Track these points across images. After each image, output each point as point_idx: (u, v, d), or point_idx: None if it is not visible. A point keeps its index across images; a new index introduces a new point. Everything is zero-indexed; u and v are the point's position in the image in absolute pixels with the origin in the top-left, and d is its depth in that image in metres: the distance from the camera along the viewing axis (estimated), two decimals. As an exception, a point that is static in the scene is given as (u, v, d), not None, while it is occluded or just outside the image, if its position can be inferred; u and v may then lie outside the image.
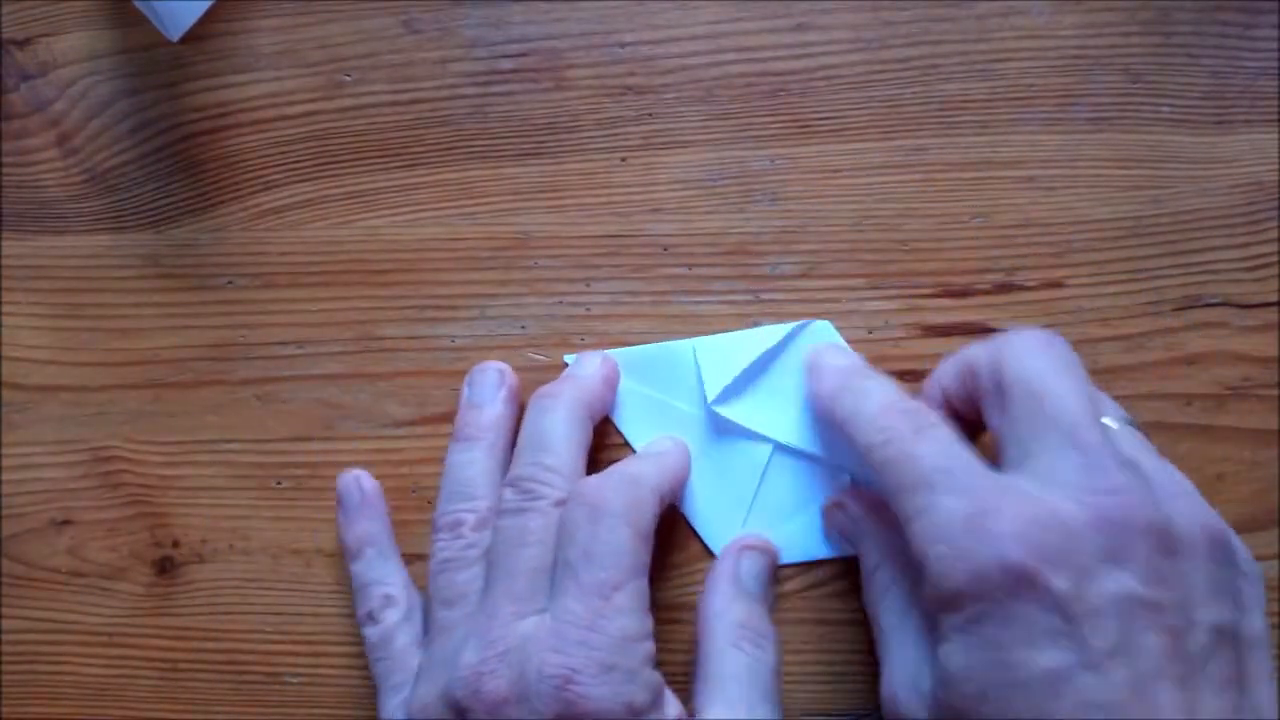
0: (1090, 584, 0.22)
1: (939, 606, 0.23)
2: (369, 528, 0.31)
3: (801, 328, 0.32)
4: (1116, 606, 0.22)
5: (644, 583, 0.27)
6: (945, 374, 0.28)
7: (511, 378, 0.32)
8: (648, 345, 0.32)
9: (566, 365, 0.32)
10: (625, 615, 0.26)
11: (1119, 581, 0.22)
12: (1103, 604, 0.22)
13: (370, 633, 0.30)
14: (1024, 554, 0.22)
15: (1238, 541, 0.24)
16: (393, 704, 0.29)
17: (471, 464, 0.30)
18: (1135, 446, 0.25)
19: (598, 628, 0.25)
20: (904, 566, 0.27)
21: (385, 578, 0.31)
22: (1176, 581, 0.22)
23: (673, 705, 0.27)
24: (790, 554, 0.31)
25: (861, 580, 0.29)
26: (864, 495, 0.29)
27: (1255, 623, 0.23)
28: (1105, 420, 0.25)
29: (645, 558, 0.27)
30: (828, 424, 0.29)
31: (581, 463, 0.29)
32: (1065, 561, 0.22)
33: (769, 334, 0.31)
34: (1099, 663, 0.21)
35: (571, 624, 0.25)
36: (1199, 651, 0.22)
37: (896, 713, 0.25)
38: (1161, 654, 0.21)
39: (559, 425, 0.29)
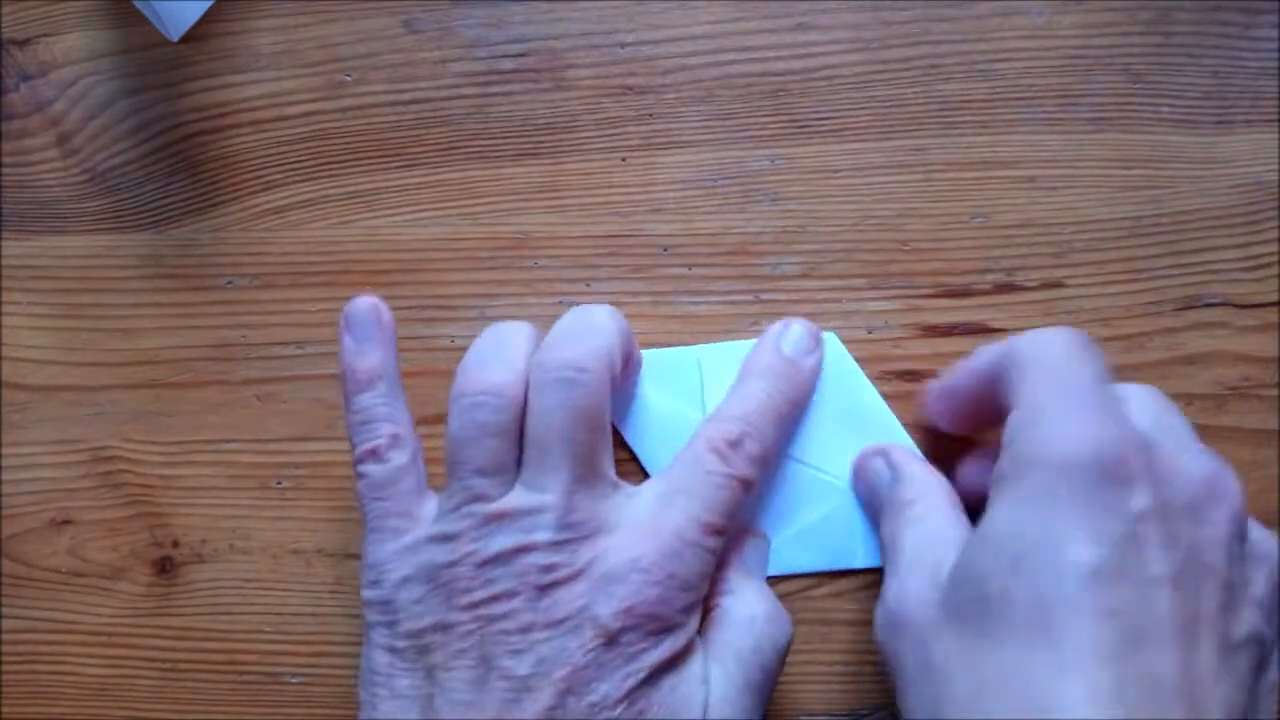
0: (1164, 518, 0.23)
1: (1023, 468, 0.24)
2: (385, 359, 0.29)
3: None
4: (1183, 555, 0.22)
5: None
6: (960, 377, 0.29)
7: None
8: (653, 349, 0.32)
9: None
10: (710, 555, 0.27)
11: (1200, 532, 0.23)
12: (1167, 541, 0.22)
13: (373, 470, 0.28)
14: (1136, 459, 0.23)
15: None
16: (391, 549, 0.27)
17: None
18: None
19: (691, 548, 0.26)
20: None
21: (394, 416, 0.29)
22: (1235, 556, 0.23)
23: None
24: (781, 564, 0.31)
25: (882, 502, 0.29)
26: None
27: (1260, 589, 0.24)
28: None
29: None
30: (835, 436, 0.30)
31: (617, 349, 0.29)
32: (1152, 487, 0.23)
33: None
34: (1146, 587, 0.22)
35: (673, 533, 0.26)
36: (1240, 634, 0.23)
37: (902, 609, 0.25)
38: (1213, 611, 0.22)
39: (599, 321, 0.28)
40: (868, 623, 0.29)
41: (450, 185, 0.33)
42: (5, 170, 0.35)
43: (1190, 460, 0.24)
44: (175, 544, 0.34)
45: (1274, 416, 0.31)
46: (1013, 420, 0.25)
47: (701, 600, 0.27)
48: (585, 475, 0.27)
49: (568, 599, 0.25)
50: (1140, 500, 0.23)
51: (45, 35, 0.35)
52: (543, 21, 0.33)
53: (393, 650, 0.27)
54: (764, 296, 0.32)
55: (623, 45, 0.33)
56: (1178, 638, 0.22)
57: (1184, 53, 0.32)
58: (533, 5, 0.33)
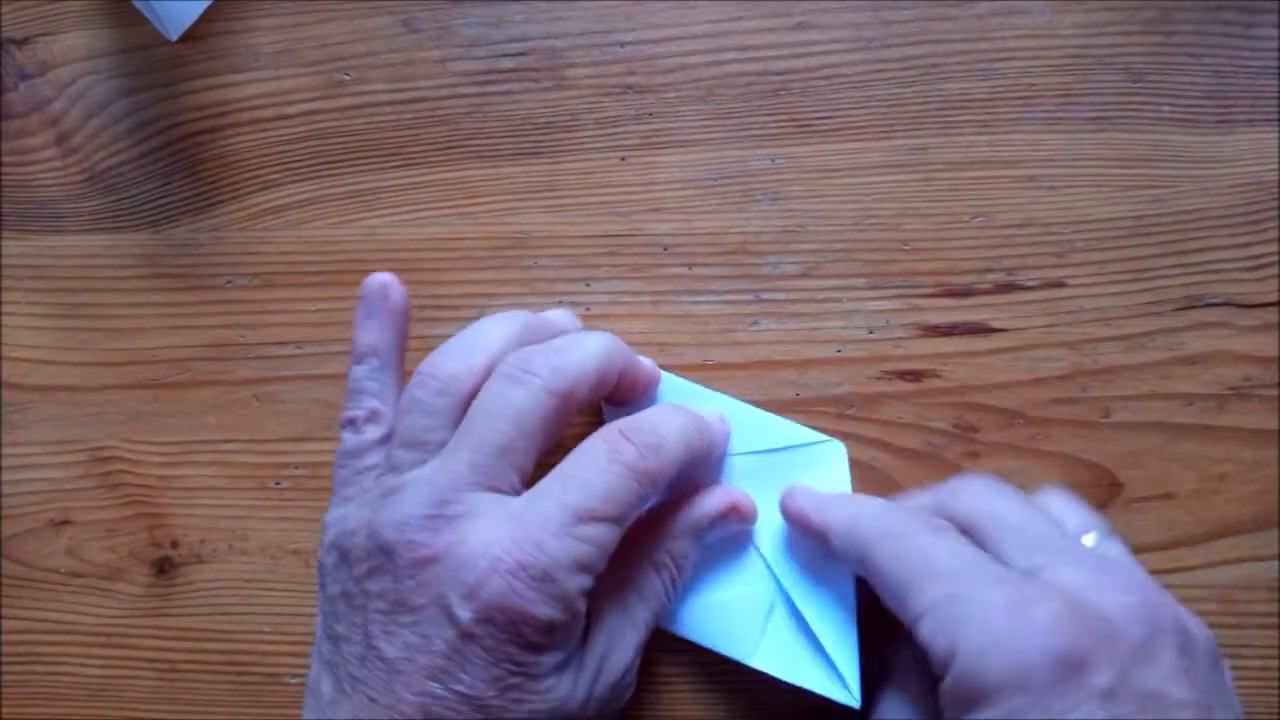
0: (1130, 679, 0.22)
1: (964, 703, 0.22)
2: (383, 336, 0.30)
3: (819, 442, 0.31)
4: (1154, 703, 0.21)
5: (620, 531, 0.26)
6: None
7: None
8: (679, 379, 0.31)
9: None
10: (588, 545, 0.25)
11: (1156, 678, 0.22)
12: (1142, 699, 0.21)
13: (346, 438, 0.29)
14: (1071, 642, 0.22)
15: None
16: (331, 515, 0.28)
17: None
18: (1119, 552, 0.26)
19: (560, 540, 0.25)
20: (907, 676, 0.27)
21: (380, 392, 0.30)
22: (1197, 683, 0.22)
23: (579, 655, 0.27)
24: (682, 627, 0.30)
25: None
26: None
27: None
28: (1084, 540, 0.26)
29: (636, 516, 0.27)
30: (815, 540, 0.29)
31: (591, 384, 0.28)
32: (1108, 654, 0.22)
33: (788, 432, 0.31)
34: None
35: (539, 525, 0.25)
36: None
37: None
38: None
39: (589, 346, 0.28)
40: (868, 622, 0.29)
41: (449, 184, 0.33)
42: (4, 170, 0.35)
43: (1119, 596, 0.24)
44: (174, 544, 0.34)
45: (1275, 416, 0.31)
46: (926, 631, 0.24)
47: (582, 597, 0.25)
48: (485, 466, 0.26)
49: (426, 582, 0.25)
50: (1102, 677, 0.22)
51: (44, 34, 0.35)
52: (542, 20, 0.33)
53: (322, 614, 0.27)
54: (764, 296, 0.32)
55: (622, 44, 0.33)
56: None
57: (1185, 52, 0.32)
58: (532, 4, 0.33)
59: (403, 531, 0.25)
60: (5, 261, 0.35)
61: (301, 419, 0.33)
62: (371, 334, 0.30)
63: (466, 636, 0.24)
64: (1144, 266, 0.31)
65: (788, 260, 0.32)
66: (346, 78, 0.34)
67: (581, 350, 0.27)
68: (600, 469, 0.26)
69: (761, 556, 0.30)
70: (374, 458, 0.29)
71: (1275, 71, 0.31)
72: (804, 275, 0.32)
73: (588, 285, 0.33)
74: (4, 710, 0.34)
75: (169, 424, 0.34)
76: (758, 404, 0.32)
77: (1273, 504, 0.31)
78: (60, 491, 0.34)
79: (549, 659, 0.25)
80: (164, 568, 0.34)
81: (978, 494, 0.26)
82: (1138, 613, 0.22)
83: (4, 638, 0.34)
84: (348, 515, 0.27)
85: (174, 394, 0.34)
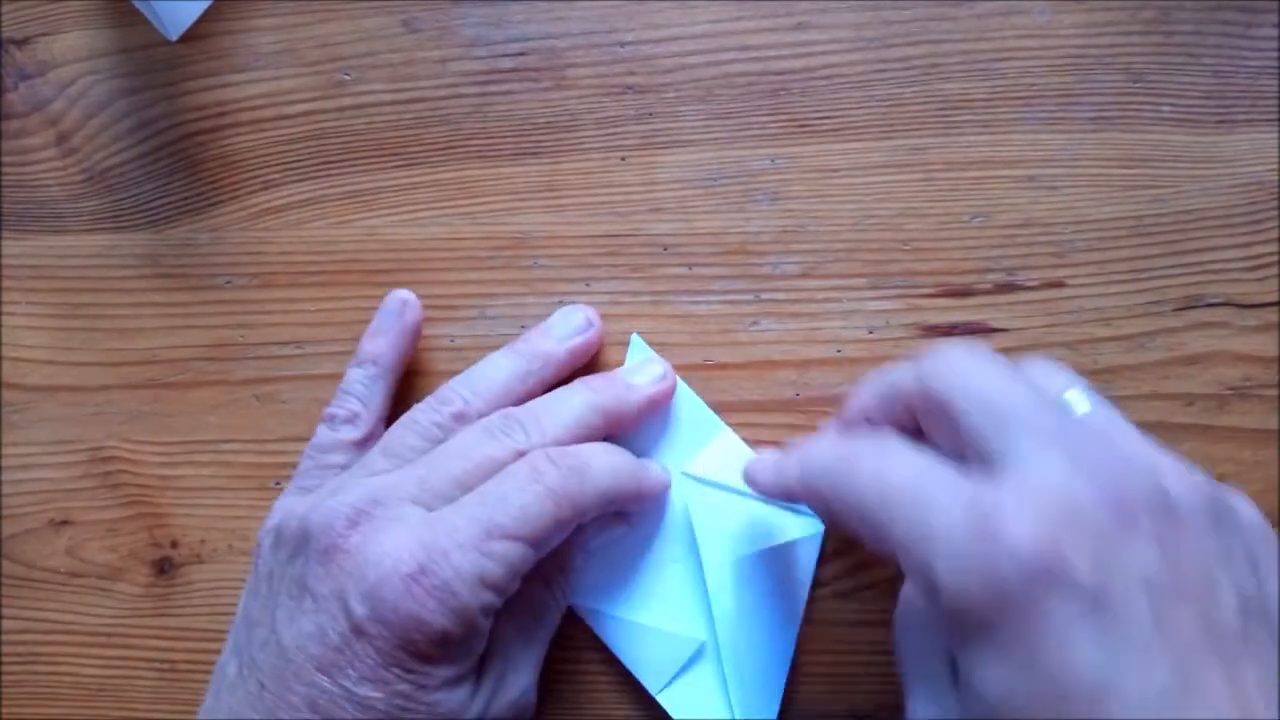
0: (1113, 566, 0.20)
1: (962, 630, 0.21)
2: (386, 348, 0.31)
3: (802, 514, 0.30)
4: (1144, 586, 0.20)
5: (534, 556, 0.26)
6: (866, 401, 0.27)
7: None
8: (694, 399, 0.31)
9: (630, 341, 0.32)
10: (495, 562, 0.25)
11: (1141, 558, 0.20)
12: (1130, 585, 0.20)
13: (320, 431, 0.31)
14: (1040, 547, 0.20)
15: (1237, 500, 0.23)
16: (282, 501, 0.29)
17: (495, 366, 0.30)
18: (1103, 417, 0.24)
19: (466, 553, 0.25)
20: (916, 608, 0.26)
21: (367, 398, 0.31)
22: (1191, 554, 0.21)
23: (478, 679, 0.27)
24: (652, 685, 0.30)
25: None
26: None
27: (1274, 588, 0.22)
28: (1067, 396, 0.24)
29: (554, 539, 0.27)
30: (778, 505, 0.29)
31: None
32: (1082, 546, 0.20)
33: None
34: (1142, 651, 0.19)
35: (447, 534, 0.25)
36: (1233, 626, 0.20)
37: None
38: (1199, 633, 0.20)
39: (573, 412, 0.29)
40: (869, 623, 0.29)
41: (449, 184, 0.33)
42: (4, 170, 0.35)
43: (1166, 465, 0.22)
44: (174, 544, 0.34)
45: (1275, 416, 0.31)
46: (907, 567, 0.22)
47: (484, 615, 0.25)
48: (432, 488, 0.27)
49: (331, 574, 0.25)
50: (1083, 577, 0.20)
51: (44, 34, 0.35)
52: (543, 20, 0.33)
53: (247, 593, 0.28)
54: (764, 296, 0.32)
55: (623, 44, 0.33)
56: (1226, 650, 0.20)
57: (1185, 52, 0.32)
58: (533, 4, 0.33)
59: (329, 518, 0.26)
60: (5, 261, 0.35)
61: (301, 419, 0.33)
62: (378, 344, 0.31)
63: (358, 633, 0.24)
64: (1144, 266, 0.31)
65: (788, 260, 0.32)
66: (346, 78, 0.34)
67: (562, 419, 0.28)
68: (519, 487, 0.26)
69: (707, 599, 0.30)
70: (340, 457, 0.30)
71: (1275, 71, 0.31)
72: (804, 275, 0.32)
73: (588, 285, 0.33)
74: (4, 710, 0.34)
75: (169, 424, 0.34)
76: (758, 404, 0.32)
77: (1273, 504, 0.31)
78: (60, 491, 0.34)
79: (441, 672, 0.25)
80: (164, 568, 0.34)
81: (951, 369, 0.24)
82: (1108, 491, 0.21)
83: (4, 637, 0.34)
84: (292, 502, 0.28)
85: (174, 394, 0.34)
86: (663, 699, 0.30)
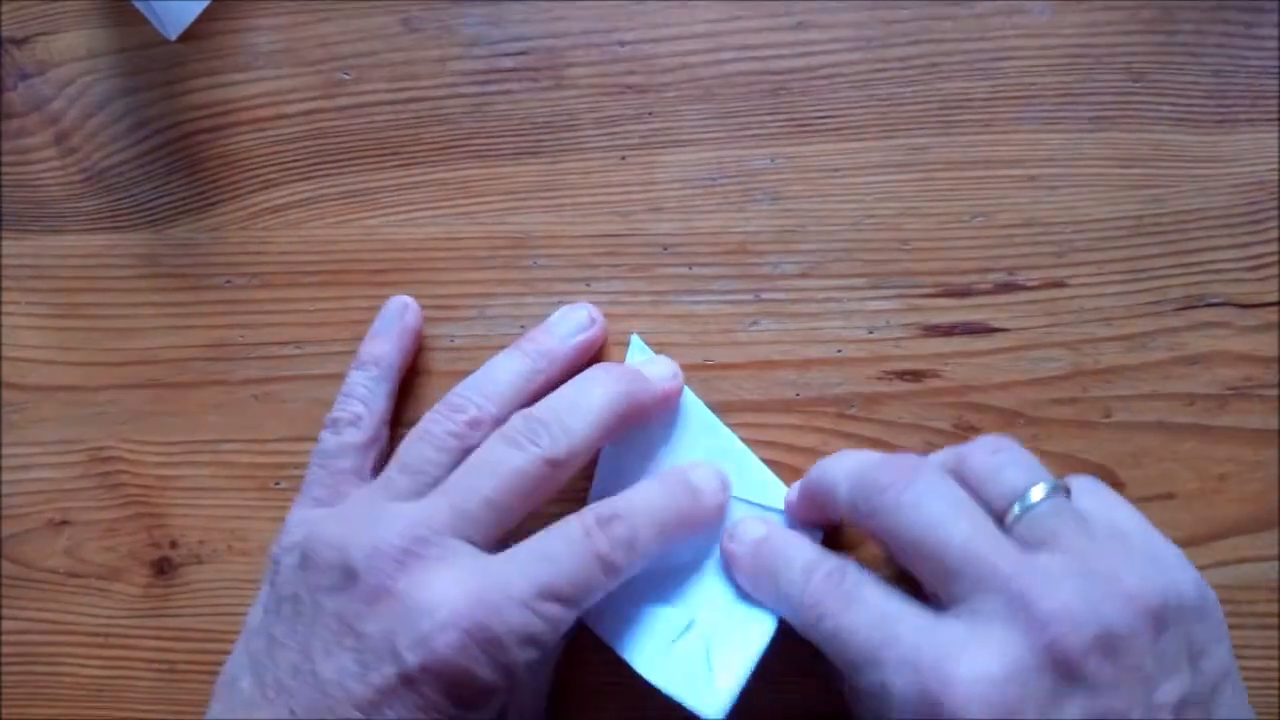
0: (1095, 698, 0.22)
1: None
2: (388, 350, 0.31)
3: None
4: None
5: (575, 615, 0.26)
6: (801, 503, 0.28)
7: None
8: (701, 409, 0.31)
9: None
10: (544, 624, 0.25)
11: (1080, 708, 0.22)
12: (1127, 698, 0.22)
13: (325, 438, 0.30)
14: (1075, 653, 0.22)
15: (1181, 574, 0.24)
16: (301, 515, 0.29)
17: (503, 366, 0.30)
18: (1052, 513, 0.25)
19: (521, 614, 0.25)
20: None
21: (369, 400, 0.31)
22: (1130, 678, 0.22)
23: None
24: (640, 663, 0.29)
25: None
26: None
27: (1214, 664, 0.23)
28: (1020, 504, 0.25)
29: (595, 598, 0.26)
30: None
31: (595, 444, 0.28)
32: (1025, 711, 0.22)
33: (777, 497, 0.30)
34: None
35: (503, 592, 0.25)
36: None
37: None
38: None
39: (596, 407, 0.28)
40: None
41: (449, 184, 0.33)
42: (3, 169, 0.35)
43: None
44: (173, 545, 0.34)
45: (1275, 416, 0.31)
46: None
47: (526, 670, 0.25)
48: (466, 514, 0.26)
49: (380, 615, 0.25)
50: (1077, 705, 0.22)
51: (43, 34, 0.35)
52: (542, 20, 0.33)
53: (265, 610, 0.27)
54: (764, 296, 0.32)
55: (622, 44, 0.33)
56: None
57: (1186, 52, 0.32)
58: (532, 4, 0.33)
59: (372, 559, 0.25)
60: (5, 261, 0.35)
61: (301, 419, 0.33)
62: (379, 346, 0.31)
63: (407, 681, 0.24)
64: (1144, 266, 0.31)
65: (788, 260, 0.32)
66: (346, 77, 0.34)
67: (585, 414, 0.28)
68: (572, 552, 0.26)
69: (698, 579, 0.30)
70: (348, 461, 0.30)
71: (1276, 71, 0.31)
72: (804, 275, 0.32)
73: (588, 285, 0.33)
74: (4, 710, 0.34)
75: (168, 424, 0.34)
76: (758, 404, 0.32)
77: (1273, 504, 0.31)
78: (59, 491, 0.34)
79: (473, 715, 0.25)
80: (163, 568, 0.34)
81: (894, 507, 0.25)
82: (1049, 651, 0.22)
83: (3, 638, 0.34)
84: (315, 519, 0.27)
85: (173, 394, 0.34)
86: (647, 671, 0.29)
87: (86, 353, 0.34)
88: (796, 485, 0.29)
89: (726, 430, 0.31)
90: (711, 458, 0.30)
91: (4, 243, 0.35)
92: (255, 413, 0.34)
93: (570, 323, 0.31)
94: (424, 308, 0.33)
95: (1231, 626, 0.31)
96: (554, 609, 0.25)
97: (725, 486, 0.30)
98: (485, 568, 0.25)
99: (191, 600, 0.33)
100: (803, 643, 0.31)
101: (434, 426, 0.28)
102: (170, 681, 0.33)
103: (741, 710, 0.32)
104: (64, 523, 0.34)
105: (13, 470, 0.35)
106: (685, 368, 0.32)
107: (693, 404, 0.31)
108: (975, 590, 0.23)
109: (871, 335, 0.32)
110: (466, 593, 0.25)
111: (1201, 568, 0.31)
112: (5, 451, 0.35)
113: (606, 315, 0.32)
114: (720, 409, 0.32)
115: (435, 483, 0.27)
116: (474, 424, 0.28)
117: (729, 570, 0.29)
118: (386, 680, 0.24)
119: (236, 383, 0.34)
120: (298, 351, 0.34)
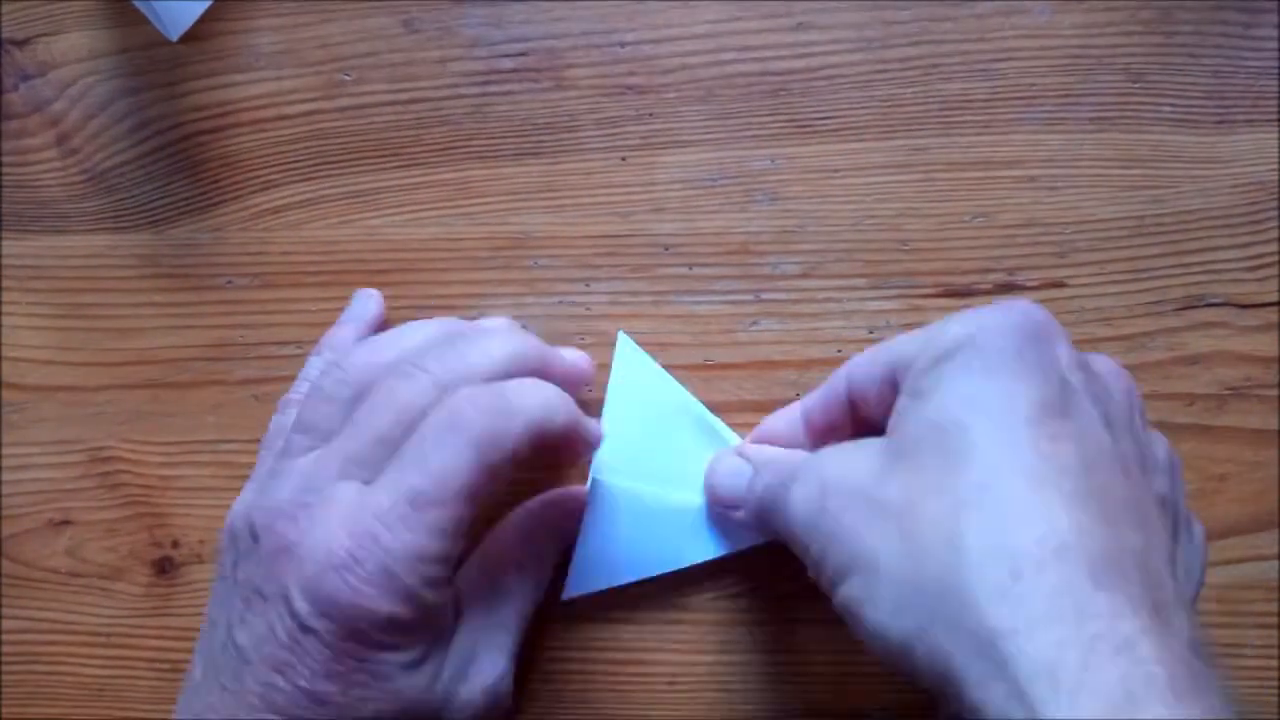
0: (1085, 373, 0.23)
1: (950, 353, 0.23)
2: (346, 339, 0.31)
3: None
4: (1103, 409, 0.23)
5: (469, 512, 0.25)
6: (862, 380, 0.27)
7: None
8: (643, 359, 0.32)
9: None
10: (426, 534, 0.24)
11: (1110, 398, 0.24)
12: (1090, 393, 0.23)
13: (274, 420, 0.30)
14: (1054, 323, 0.23)
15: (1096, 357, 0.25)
16: (248, 496, 0.28)
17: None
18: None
19: (394, 531, 0.24)
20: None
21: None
22: (1138, 427, 0.24)
23: (448, 652, 0.26)
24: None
25: None
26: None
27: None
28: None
29: (492, 486, 0.25)
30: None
31: (488, 377, 0.27)
32: (1070, 346, 0.23)
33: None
34: (1086, 423, 0.22)
35: (374, 515, 0.24)
36: (1157, 491, 0.23)
37: (845, 478, 0.24)
38: (1134, 463, 0.23)
39: (502, 342, 0.28)
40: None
41: (450, 185, 0.33)
42: (4, 170, 0.35)
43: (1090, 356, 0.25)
44: (174, 544, 0.34)
45: (1275, 416, 0.31)
46: (912, 343, 0.24)
47: (431, 589, 0.24)
48: (358, 455, 0.25)
49: (277, 573, 0.24)
50: (1065, 353, 0.23)
51: (44, 35, 0.35)
52: (543, 21, 0.33)
53: (211, 597, 0.27)
54: (764, 296, 0.32)
55: (623, 45, 0.33)
56: (1119, 470, 0.22)
57: (1185, 52, 0.32)
58: (533, 4, 0.33)
59: (271, 517, 0.25)
60: (6, 261, 0.35)
61: (302, 419, 0.33)
62: (340, 333, 0.32)
63: (305, 629, 0.24)
64: (1144, 267, 0.31)
65: (788, 260, 0.32)
66: (347, 78, 0.34)
67: (481, 347, 0.27)
68: (437, 442, 0.24)
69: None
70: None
71: (1275, 72, 0.31)
72: (804, 275, 0.32)
73: (588, 285, 0.33)
74: (4, 710, 0.34)
75: (169, 424, 0.34)
76: (758, 404, 0.32)
77: (1273, 504, 0.31)
78: (60, 491, 0.34)
79: (396, 656, 0.25)
80: (164, 567, 0.34)
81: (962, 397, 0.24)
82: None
83: (4, 637, 0.34)
84: (238, 500, 0.28)
85: (174, 394, 0.34)
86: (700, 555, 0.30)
87: (87, 353, 0.34)
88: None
89: (729, 432, 0.31)
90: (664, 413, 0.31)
91: (5, 243, 0.35)
92: (256, 412, 0.34)
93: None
94: (426, 307, 0.33)
95: (1230, 626, 0.31)
96: (432, 515, 0.24)
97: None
98: (360, 501, 0.24)
99: (193, 599, 0.33)
100: (802, 637, 0.31)
101: (321, 380, 0.28)
102: (172, 681, 0.33)
103: (742, 707, 0.32)
104: (65, 522, 0.34)
105: (12, 470, 0.35)
106: (685, 368, 0.32)
107: (633, 361, 0.32)
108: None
109: (872, 335, 0.32)
110: (341, 529, 0.24)
111: (1201, 567, 0.31)
112: (6, 451, 0.35)
113: (607, 315, 0.32)
114: (720, 409, 0.32)
115: (332, 433, 0.27)
116: (358, 368, 0.27)
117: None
118: (290, 634, 0.24)
119: (237, 383, 0.34)
120: (298, 352, 0.34)
